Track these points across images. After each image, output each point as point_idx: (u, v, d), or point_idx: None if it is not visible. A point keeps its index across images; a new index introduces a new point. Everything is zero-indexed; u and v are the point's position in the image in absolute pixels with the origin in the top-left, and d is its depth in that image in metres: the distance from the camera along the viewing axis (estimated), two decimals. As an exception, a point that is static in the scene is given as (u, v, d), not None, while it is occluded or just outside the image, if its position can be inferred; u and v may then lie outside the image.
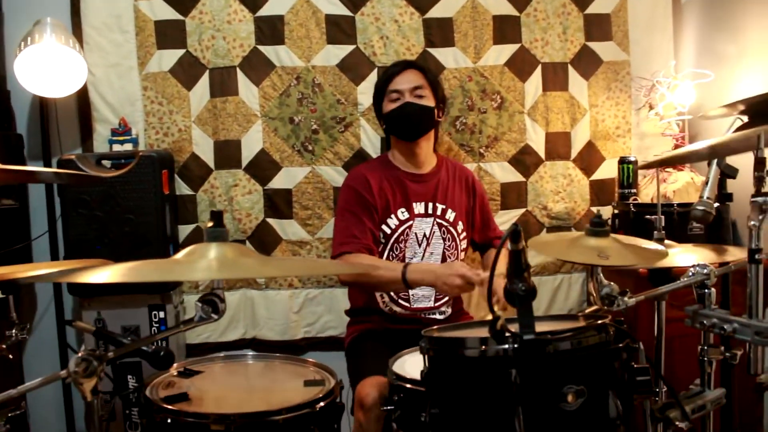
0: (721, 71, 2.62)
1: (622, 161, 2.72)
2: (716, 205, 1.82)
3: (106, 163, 2.62)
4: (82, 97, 2.70)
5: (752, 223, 1.27)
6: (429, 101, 2.32)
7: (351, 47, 2.76)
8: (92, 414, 1.28)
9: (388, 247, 2.32)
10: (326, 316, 2.84)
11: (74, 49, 2.44)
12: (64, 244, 2.55)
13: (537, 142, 2.86)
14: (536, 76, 2.84)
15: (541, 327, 1.28)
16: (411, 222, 2.32)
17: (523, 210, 2.88)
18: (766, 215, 1.33)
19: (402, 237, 2.32)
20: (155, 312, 2.59)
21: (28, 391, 1.28)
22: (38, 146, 2.70)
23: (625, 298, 1.29)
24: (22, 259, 2.64)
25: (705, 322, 1.40)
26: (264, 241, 2.79)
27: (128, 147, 2.66)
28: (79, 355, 1.23)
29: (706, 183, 1.85)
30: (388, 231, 2.31)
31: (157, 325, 2.59)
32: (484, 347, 1.25)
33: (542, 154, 2.87)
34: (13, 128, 2.70)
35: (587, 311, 1.50)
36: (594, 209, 2.88)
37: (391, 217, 2.31)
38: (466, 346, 1.29)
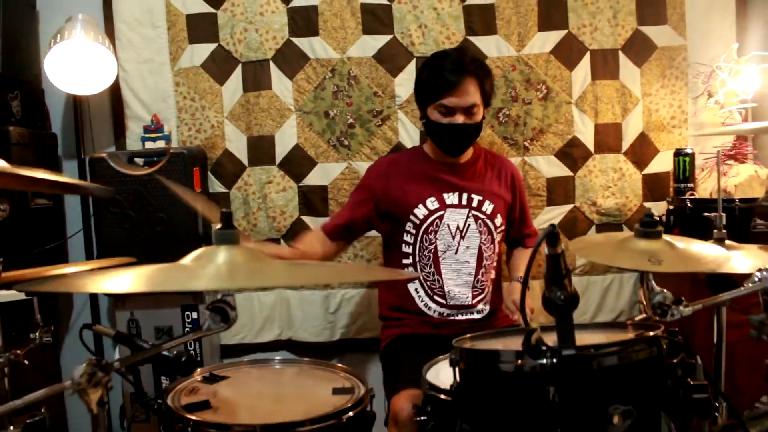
0: (789, 54, 2.40)
1: (678, 153, 2.54)
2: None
3: (139, 160, 2.58)
4: (115, 94, 2.68)
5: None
6: (480, 114, 2.15)
7: (388, 37, 2.65)
8: (98, 427, 1.21)
9: (418, 238, 2.21)
10: (364, 317, 2.74)
11: (104, 45, 2.40)
12: (96, 243, 2.53)
13: (585, 134, 2.69)
14: (584, 64, 2.68)
15: (584, 338, 1.15)
16: (442, 212, 2.20)
17: (570, 206, 2.72)
18: None
19: (432, 228, 2.19)
20: (188, 312, 2.54)
21: (32, 402, 1.22)
22: (72, 145, 2.68)
23: (681, 308, 1.14)
24: (57, 258, 2.64)
25: (774, 333, 1.24)
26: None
27: (161, 144, 2.62)
28: (84, 364, 1.17)
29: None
30: (417, 221, 2.20)
31: (190, 326, 2.54)
32: (520, 361, 1.12)
33: (591, 146, 2.70)
34: (47, 127, 2.69)
35: (638, 319, 1.36)
36: (647, 205, 2.71)
37: (419, 207, 2.19)
38: (501, 359, 1.16)
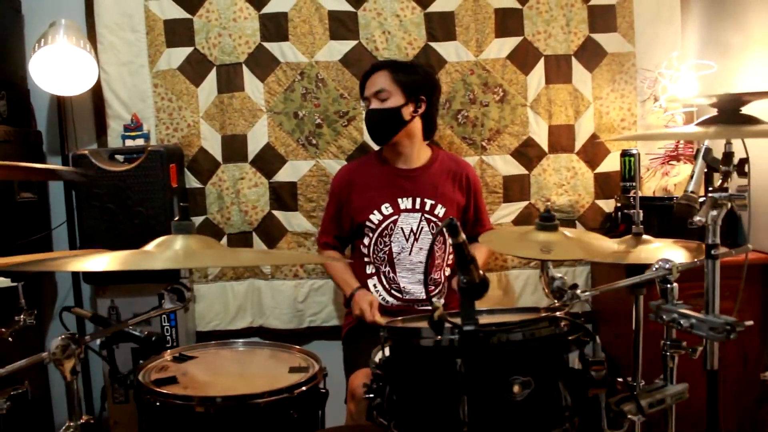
0: (724, 62, 2.58)
1: (624, 154, 2.72)
2: (702, 199, 1.83)
3: (119, 157, 2.73)
4: (97, 94, 2.82)
5: (698, 218, 1.28)
6: (394, 101, 2.34)
7: (353, 42, 2.81)
8: (72, 392, 1.37)
9: (373, 241, 2.39)
10: (331, 306, 2.91)
11: (85, 49, 2.55)
12: (78, 235, 2.68)
13: (540, 134, 2.87)
14: (539, 68, 2.85)
15: (499, 318, 1.33)
16: (396, 217, 2.38)
17: (525, 203, 2.89)
18: (721, 211, 1.34)
19: (386, 231, 2.38)
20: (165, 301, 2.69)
21: (14, 370, 1.39)
22: (56, 142, 2.84)
23: (577, 292, 1.32)
24: (42, 249, 2.78)
25: (665, 317, 1.42)
26: (270, 232, 2.87)
27: (140, 142, 2.77)
28: (58, 338, 1.34)
29: (692, 176, 1.85)
30: (372, 226, 2.38)
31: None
32: (438, 337, 1.29)
33: (545, 146, 2.88)
34: (33, 125, 2.84)
35: (552, 305, 1.53)
36: (599, 203, 2.89)
37: (374, 213, 2.37)
38: (422, 335, 1.33)
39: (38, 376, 2.76)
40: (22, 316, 1.94)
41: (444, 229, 1.12)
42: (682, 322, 1.37)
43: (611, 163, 2.89)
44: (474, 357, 1.21)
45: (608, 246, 1.37)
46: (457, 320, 1.20)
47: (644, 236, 1.78)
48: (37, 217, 2.79)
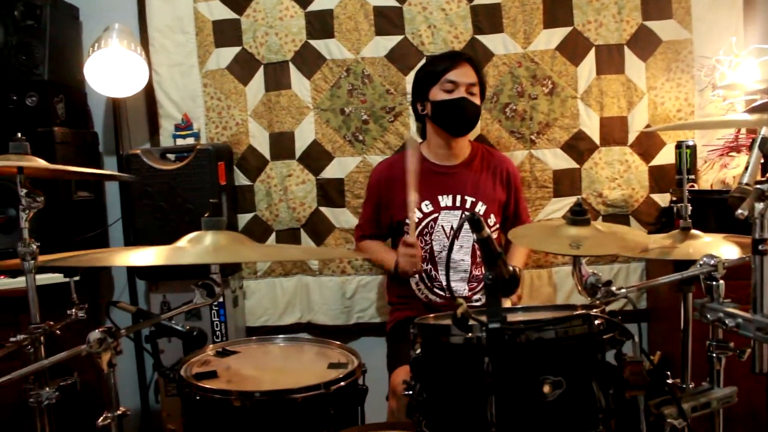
0: (790, 47, 2.44)
1: (680, 145, 2.60)
2: (759, 192, 1.73)
3: (170, 156, 2.80)
4: (149, 95, 2.91)
5: (740, 211, 1.20)
6: (478, 101, 2.35)
7: (399, 38, 2.79)
8: (109, 383, 1.41)
9: None
10: (378, 302, 2.91)
11: (136, 52, 2.63)
12: (132, 232, 2.77)
13: (591, 127, 2.78)
14: (589, 59, 2.76)
15: (533, 316, 1.28)
16: (436, 215, 2.35)
17: (577, 197, 2.79)
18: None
19: (427, 230, 2.35)
20: (215, 295, 2.75)
21: (55, 363, 1.45)
22: (112, 142, 2.94)
23: (612, 288, 1.26)
24: (99, 246, 2.89)
25: (710, 316, 1.35)
26: (317, 229, 2.89)
27: (190, 141, 2.84)
28: (96, 332, 1.38)
29: (746, 168, 1.75)
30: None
31: (216, 308, 2.76)
32: (468, 335, 1.27)
33: (597, 139, 2.78)
34: (90, 127, 2.95)
35: (593, 303, 1.48)
36: (654, 197, 2.78)
37: (414, 211, 2.34)
38: (452, 333, 1.31)
39: (91, 367, 2.87)
40: (73, 310, 2.03)
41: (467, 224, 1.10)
42: (727, 321, 1.29)
43: (667, 156, 2.77)
44: (501, 355, 1.17)
45: (643, 240, 1.31)
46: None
47: (693, 231, 1.69)
48: (93, 215, 2.89)
